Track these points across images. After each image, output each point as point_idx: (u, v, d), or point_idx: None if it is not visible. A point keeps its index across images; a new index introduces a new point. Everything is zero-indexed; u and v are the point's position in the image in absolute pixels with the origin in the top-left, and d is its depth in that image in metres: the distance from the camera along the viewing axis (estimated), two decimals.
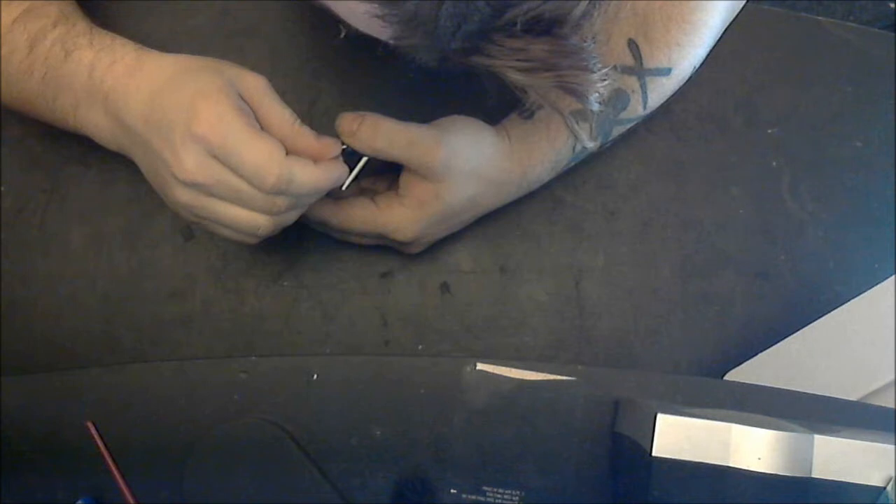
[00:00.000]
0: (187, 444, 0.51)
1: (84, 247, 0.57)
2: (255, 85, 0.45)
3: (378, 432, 0.52)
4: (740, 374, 0.56)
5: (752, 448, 0.44)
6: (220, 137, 0.43)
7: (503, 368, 0.52)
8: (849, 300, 0.56)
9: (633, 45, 0.53)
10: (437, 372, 0.53)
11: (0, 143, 0.58)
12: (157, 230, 0.58)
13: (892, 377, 0.52)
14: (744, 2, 0.59)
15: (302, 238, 0.57)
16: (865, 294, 0.55)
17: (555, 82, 0.38)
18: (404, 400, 0.52)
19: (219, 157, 0.43)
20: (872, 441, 0.44)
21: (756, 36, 0.62)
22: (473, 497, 0.52)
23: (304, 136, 0.46)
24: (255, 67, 0.46)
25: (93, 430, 0.52)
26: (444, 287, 0.58)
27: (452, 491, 0.52)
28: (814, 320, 0.56)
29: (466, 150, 0.50)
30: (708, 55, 0.58)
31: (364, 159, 0.49)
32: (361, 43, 0.39)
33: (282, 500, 0.51)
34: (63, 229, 0.57)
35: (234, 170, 0.44)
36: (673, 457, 0.44)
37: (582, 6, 0.35)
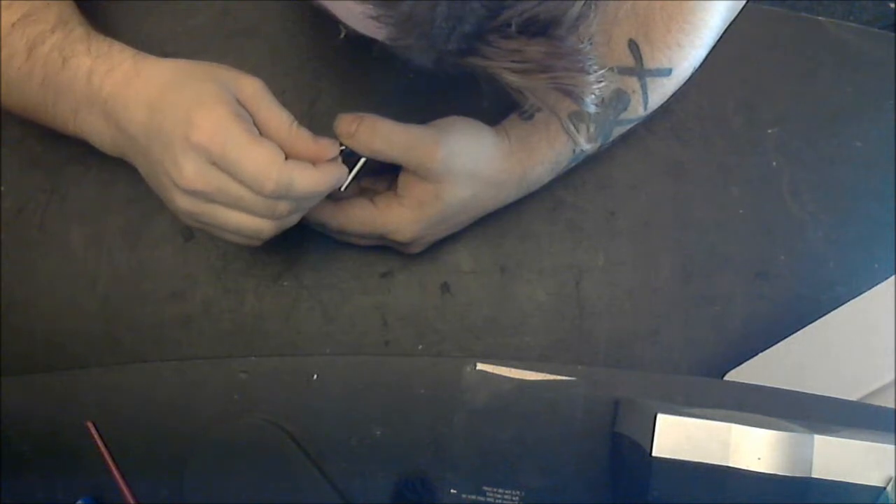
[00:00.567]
0: (187, 444, 0.51)
1: (84, 247, 0.57)
2: (252, 88, 0.46)
3: (378, 432, 0.52)
4: (740, 374, 0.56)
5: (752, 448, 0.44)
6: (218, 146, 0.43)
7: (503, 368, 0.52)
8: (849, 300, 0.56)
9: (633, 45, 0.53)
10: (437, 372, 0.53)
11: (0, 143, 0.58)
12: (157, 230, 0.58)
13: (892, 377, 0.52)
14: (744, 2, 0.59)
15: (302, 238, 0.57)
16: (865, 294, 0.55)
17: (551, 84, 0.38)
18: (404, 400, 0.52)
19: (218, 164, 0.43)
20: (872, 441, 0.44)
21: (756, 36, 0.62)
22: (473, 497, 0.52)
23: (302, 139, 0.46)
24: (255, 67, 0.47)
25: (93, 430, 0.52)
26: (444, 287, 0.58)
27: (452, 491, 0.52)
28: (814, 320, 0.56)
29: (465, 150, 0.50)
30: (708, 55, 0.58)
31: (362, 160, 0.49)
32: (361, 43, 0.39)
33: (282, 500, 0.51)
34: (63, 229, 0.57)
35: (234, 177, 0.44)
36: (673, 457, 0.44)
37: (577, 7, 0.35)
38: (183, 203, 0.45)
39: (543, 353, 0.58)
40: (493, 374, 0.52)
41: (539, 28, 0.36)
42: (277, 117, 0.46)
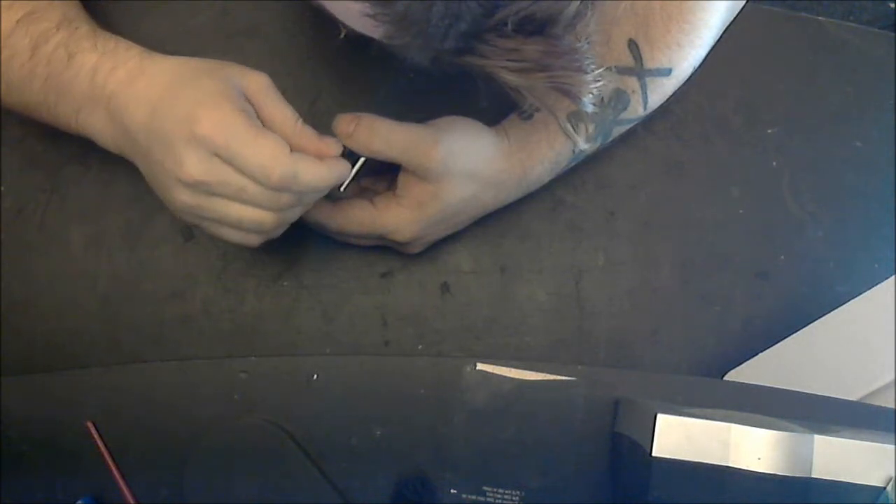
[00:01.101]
0: (187, 444, 0.51)
1: (84, 247, 0.57)
2: (258, 84, 0.46)
3: (378, 432, 0.52)
4: (740, 374, 0.56)
5: (752, 448, 0.44)
6: (223, 138, 0.43)
7: (503, 368, 0.52)
8: (849, 300, 0.56)
9: (633, 45, 0.53)
10: (437, 372, 0.53)
11: (0, 143, 0.58)
12: (157, 230, 0.58)
13: (892, 377, 0.52)
14: (744, 2, 0.59)
15: (302, 238, 0.57)
16: (865, 294, 0.55)
17: (548, 83, 0.38)
18: (404, 400, 0.52)
19: (222, 156, 0.43)
20: (872, 441, 0.44)
21: (756, 36, 0.62)
22: (473, 497, 0.52)
23: (306, 136, 0.46)
24: (255, 67, 0.46)
25: (93, 430, 0.52)
26: (444, 287, 0.58)
27: (452, 491, 0.52)
28: (814, 320, 0.56)
29: (464, 150, 0.50)
30: (708, 55, 0.58)
31: (361, 160, 0.49)
32: (361, 43, 0.39)
33: (282, 500, 0.51)
34: (63, 229, 0.57)
35: (239, 168, 0.44)
36: (673, 457, 0.44)
37: (574, 6, 0.35)
38: (183, 197, 0.45)
39: (543, 353, 0.58)
40: (493, 374, 0.52)
41: (536, 27, 0.36)
42: (283, 114, 0.46)
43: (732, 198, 0.60)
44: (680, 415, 0.45)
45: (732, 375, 0.57)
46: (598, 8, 0.37)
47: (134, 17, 0.58)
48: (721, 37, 0.59)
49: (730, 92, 0.61)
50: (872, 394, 0.53)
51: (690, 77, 0.57)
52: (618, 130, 0.55)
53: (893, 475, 0.43)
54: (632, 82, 0.53)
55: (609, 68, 0.53)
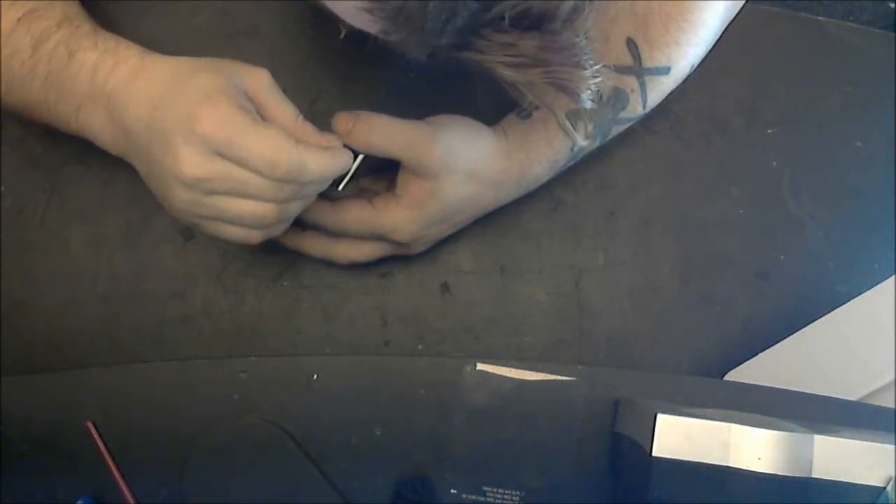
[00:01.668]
0: (187, 444, 0.51)
1: (84, 247, 0.57)
2: (259, 81, 0.46)
3: (378, 432, 0.52)
4: (740, 374, 0.56)
5: (752, 448, 0.44)
6: (224, 134, 0.43)
7: (503, 368, 0.52)
8: (849, 300, 0.56)
9: (631, 44, 0.53)
10: (437, 372, 0.53)
11: (0, 143, 0.58)
12: (157, 230, 0.58)
13: (892, 377, 0.52)
14: (743, 1, 0.59)
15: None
16: (865, 294, 0.55)
17: (546, 78, 0.37)
18: (404, 400, 0.52)
19: (223, 153, 0.43)
20: (872, 441, 0.44)
21: (756, 36, 0.62)
22: (473, 497, 0.52)
23: (307, 132, 0.46)
24: None
25: (93, 430, 0.52)
26: (444, 287, 0.58)
27: (452, 491, 0.52)
28: (814, 320, 0.56)
29: (462, 147, 0.50)
30: (708, 55, 0.58)
31: (360, 157, 0.49)
32: (361, 43, 0.39)
33: (282, 500, 0.51)
34: (63, 229, 0.57)
35: (241, 163, 0.43)
36: (673, 457, 0.45)
37: (570, 2, 0.35)
38: (182, 195, 0.44)
39: (543, 353, 0.58)
40: (493, 374, 0.52)
41: (532, 22, 0.35)
42: (283, 110, 0.46)
43: (732, 198, 0.60)
44: (680, 415, 0.45)
45: (732, 375, 0.57)
46: (597, 6, 0.37)
47: (134, 17, 0.58)
48: (721, 37, 0.59)
49: (730, 92, 0.61)
50: (872, 394, 0.53)
51: (689, 76, 0.57)
52: (617, 129, 0.55)
53: (893, 475, 0.43)
54: (630, 81, 0.53)
55: (608, 67, 0.53)
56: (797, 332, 0.56)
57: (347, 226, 0.52)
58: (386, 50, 0.38)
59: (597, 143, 0.55)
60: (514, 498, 0.52)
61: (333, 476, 0.51)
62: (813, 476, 0.44)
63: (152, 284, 0.57)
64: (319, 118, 0.50)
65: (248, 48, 0.59)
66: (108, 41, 0.47)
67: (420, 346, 0.58)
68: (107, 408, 0.52)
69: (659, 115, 0.59)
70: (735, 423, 0.44)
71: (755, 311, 0.59)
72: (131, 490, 0.51)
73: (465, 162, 0.51)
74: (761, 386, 0.54)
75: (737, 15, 0.60)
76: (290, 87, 0.58)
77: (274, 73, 0.47)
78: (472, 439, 0.52)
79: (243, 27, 0.59)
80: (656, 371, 0.58)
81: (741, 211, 0.60)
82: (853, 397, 0.53)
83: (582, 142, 0.53)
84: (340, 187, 0.49)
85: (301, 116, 0.47)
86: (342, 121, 0.49)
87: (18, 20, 0.47)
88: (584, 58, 0.37)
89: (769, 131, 0.61)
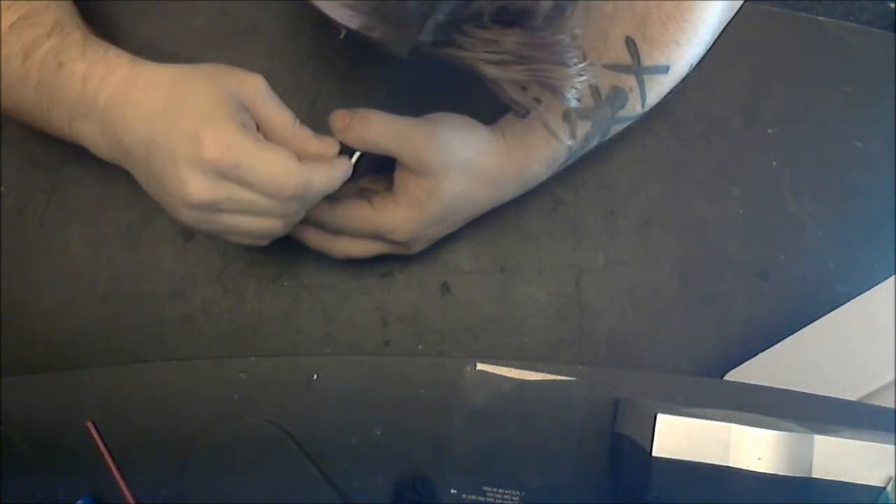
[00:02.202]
0: (187, 444, 0.51)
1: (84, 247, 0.57)
2: (254, 88, 0.45)
3: (378, 432, 0.52)
4: (740, 374, 0.56)
5: (752, 448, 0.44)
6: (231, 159, 0.43)
7: (503, 368, 0.52)
8: (849, 300, 0.56)
9: (630, 43, 0.53)
10: (437, 372, 0.53)
11: (0, 143, 0.58)
12: (157, 230, 0.58)
13: (892, 377, 0.52)
14: (742, 1, 0.59)
15: (303, 245, 0.57)
16: (865, 294, 0.55)
17: (529, 76, 0.37)
18: (404, 400, 0.52)
19: (230, 177, 0.43)
20: (872, 441, 0.44)
21: (756, 36, 0.62)
22: (473, 497, 0.52)
23: (305, 138, 0.47)
24: (254, 67, 0.46)
25: (93, 430, 0.52)
26: (444, 287, 0.58)
27: (452, 491, 0.52)
28: (814, 320, 0.56)
29: (459, 143, 0.50)
30: (708, 55, 0.58)
31: (357, 154, 0.50)
32: (361, 43, 0.39)
33: (282, 500, 0.51)
34: (63, 229, 0.57)
35: (248, 186, 0.44)
36: (673, 457, 0.45)
37: (550, 1, 0.35)
38: (189, 214, 0.45)
39: (543, 353, 0.58)
40: (493, 374, 0.52)
41: (513, 18, 0.35)
42: (280, 116, 0.46)
43: (732, 198, 0.60)
44: (680, 415, 0.45)
45: (732, 375, 0.57)
46: (584, 5, 0.37)
47: (134, 17, 0.58)
48: (721, 37, 0.59)
49: (730, 92, 0.61)
50: (872, 394, 0.53)
51: (688, 74, 0.57)
52: (616, 128, 0.55)
53: (893, 475, 0.43)
54: (629, 80, 0.53)
55: (595, 65, 0.53)
56: (797, 332, 0.56)
57: (346, 224, 0.52)
58: (386, 50, 0.38)
59: (595, 142, 0.55)
60: (514, 498, 0.52)
61: (333, 476, 0.51)
62: (813, 476, 0.44)
63: (152, 284, 0.57)
64: (319, 118, 0.50)
65: (248, 48, 0.59)
66: (97, 50, 0.47)
67: (420, 346, 0.58)
68: (107, 408, 0.52)
69: (659, 115, 0.59)
70: (735, 423, 0.44)
71: (755, 311, 0.59)
72: (131, 490, 0.51)
73: (462, 158, 0.51)
74: (761, 386, 0.54)
75: (736, 15, 0.60)
76: (290, 87, 0.58)
77: (274, 73, 0.47)
78: (472, 439, 0.52)
79: (243, 27, 0.59)
80: (656, 371, 0.58)
81: (741, 211, 0.60)
82: (853, 397, 0.53)
83: (568, 141, 0.53)
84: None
85: (298, 121, 0.47)
86: (339, 118, 0.49)
87: (10, 26, 0.47)
88: (569, 56, 0.37)
89: (769, 131, 0.61)
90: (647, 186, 0.60)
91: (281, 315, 0.57)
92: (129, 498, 0.51)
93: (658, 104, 0.57)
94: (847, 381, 0.53)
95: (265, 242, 0.49)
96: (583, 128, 0.53)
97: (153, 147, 0.44)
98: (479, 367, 0.52)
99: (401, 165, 0.51)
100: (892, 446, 0.44)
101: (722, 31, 0.59)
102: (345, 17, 0.37)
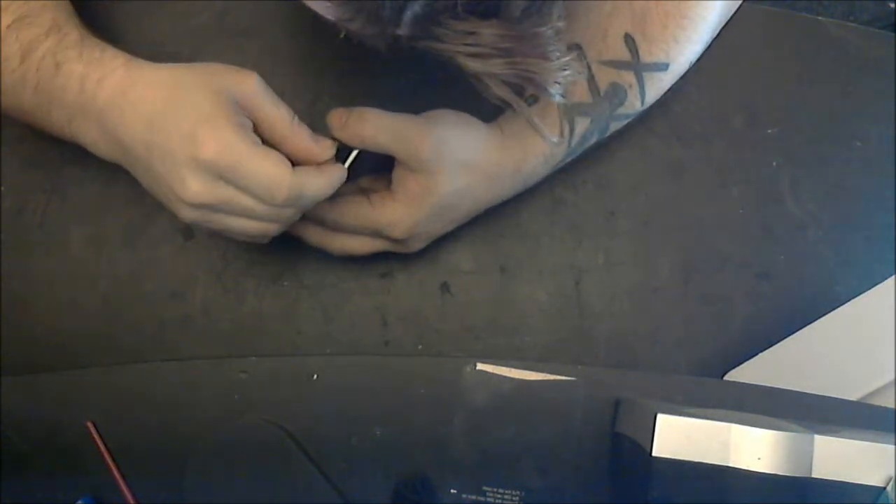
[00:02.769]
0: (187, 444, 0.51)
1: (84, 247, 0.57)
2: (250, 87, 0.45)
3: (378, 432, 0.52)
4: (740, 374, 0.56)
5: (752, 448, 0.44)
6: (228, 162, 0.43)
7: (503, 368, 0.52)
8: (849, 300, 0.56)
9: (629, 39, 0.53)
10: (437, 372, 0.53)
11: (0, 143, 0.58)
12: (157, 230, 0.58)
13: (892, 377, 0.52)
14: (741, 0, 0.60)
15: (302, 241, 0.57)
16: (865, 294, 0.55)
17: (509, 69, 0.37)
18: (404, 400, 0.52)
19: (227, 179, 0.44)
20: (872, 441, 0.44)
21: (756, 36, 0.62)
22: (473, 497, 0.52)
23: (302, 137, 0.47)
24: (255, 67, 0.46)
25: (93, 430, 0.52)
26: (444, 287, 0.58)
27: (452, 491, 0.52)
28: (814, 320, 0.56)
29: (455, 139, 0.51)
30: (708, 55, 0.58)
31: (355, 152, 0.50)
32: (359, 40, 0.39)
33: (282, 500, 0.51)
34: (63, 229, 0.57)
35: (243, 190, 0.44)
36: (673, 457, 0.44)
37: None
38: (189, 213, 0.46)
39: (543, 353, 0.58)
40: (493, 374, 0.52)
41: (488, 8, 0.35)
42: (277, 114, 0.46)
43: (732, 198, 0.60)
44: (680, 415, 0.45)
45: (732, 375, 0.57)
46: (591, 4, 0.37)
47: (134, 17, 0.58)
48: (721, 37, 0.59)
49: (730, 92, 0.61)
50: (872, 394, 0.53)
51: (687, 74, 0.57)
52: (615, 125, 0.55)
53: (893, 475, 0.43)
54: (628, 77, 0.53)
55: (581, 58, 0.52)
56: (797, 332, 0.56)
57: (345, 221, 0.52)
58: (366, 44, 0.38)
59: (594, 139, 0.55)
60: (514, 498, 0.52)
61: (333, 476, 0.51)
62: (813, 476, 0.44)
63: (152, 284, 0.57)
64: (319, 118, 0.50)
65: (248, 48, 0.59)
66: (94, 51, 0.47)
67: (420, 346, 0.58)
68: (107, 408, 0.52)
69: (659, 115, 0.59)
70: (735, 423, 0.44)
71: (755, 311, 0.59)
72: (131, 490, 0.51)
73: (458, 153, 0.51)
74: (761, 386, 0.54)
75: (736, 14, 0.60)
76: (290, 88, 0.58)
77: (274, 73, 0.47)
78: (472, 439, 0.52)
79: (243, 27, 0.59)
80: (656, 371, 0.58)
81: (741, 211, 0.60)
82: (853, 397, 0.53)
83: (555, 139, 0.53)
84: None
85: (296, 118, 0.47)
86: (336, 116, 0.49)
87: (8, 27, 0.47)
88: (550, 49, 0.37)
89: (769, 131, 0.61)
90: (647, 186, 0.60)
91: (281, 315, 0.57)
92: (129, 498, 0.51)
93: (658, 104, 0.57)
94: (847, 381, 0.53)
95: (265, 240, 0.50)
96: (581, 124, 0.53)
97: (152, 147, 0.44)
98: (479, 367, 0.52)
99: (399, 163, 0.51)
100: (892, 446, 0.44)
101: (721, 31, 0.59)
102: (322, 9, 0.38)
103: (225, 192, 0.44)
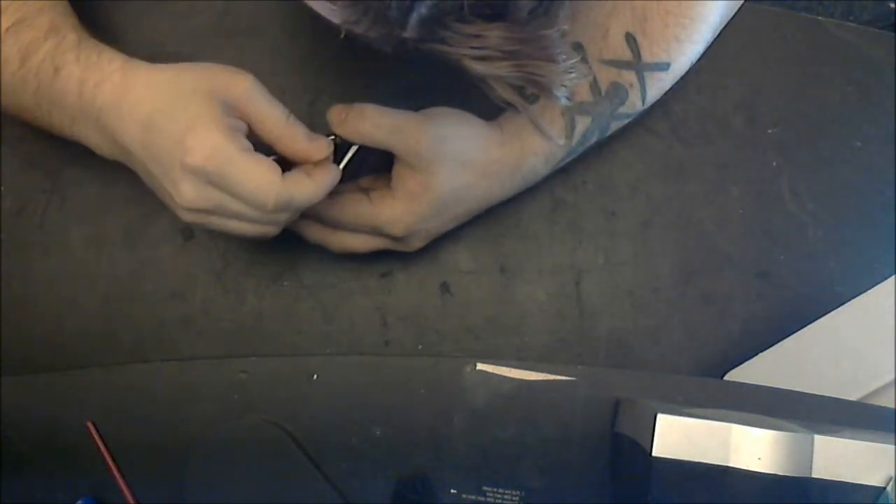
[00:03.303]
0: (187, 444, 0.51)
1: (84, 247, 0.57)
2: (242, 88, 0.45)
3: (378, 432, 0.52)
4: (740, 374, 0.56)
5: (752, 448, 0.44)
6: (215, 168, 0.43)
7: (503, 368, 0.52)
8: (849, 300, 0.56)
9: (630, 39, 0.53)
10: (437, 372, 0.53)
11: (0, 143, 0.58)
12: (157, 230, 0.58)
13: (892, 377, 0.52)
14: (742, 0, 0.60)
15: (302, 238, 0.57)
16: (865, 294, 0.55)
17: (515, 72, 0.37)
18: (404, 400, 0.52)
19: (217, 184, 0.44)
20: (872, 441, 0.44)
21: (756, 36, 0.62)
22: (473, 497, 0.52)
23: (297, 136, 0.47)
24: (255, 67, 0.46)
25: (93, 430, 0.52)
26: (444, 287, 0.58)
27: (452, 491, 0.52)
28: (814, 320, 0.56)
29: (454, 135, 0.51)
30: (708, 55, 0.58)
31: (354, 148, 0.50)
32: (364, 42, 0.39)
33: (282, 500, 0.51)
34: (63, 229, 0.57)
35: (234, 195, 0.45)
36: (673, 457, 0.44)
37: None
38: (186, 216, 0.46)
39: (543, 353, 0.58)
40: (493, 374, 0.52)
41: (495, 11, 0.35)
42: (271, 113, 0.46)
43: (732, 198, 0.60)
44: (680, 415, 0.45)
45: (732, 375, 0.57)
46: (592, 3, 0.37)
47: (134, 17, 0.58)
48: (721, 37, 0.59)
49: (730, 92, 0.61)
50: (872, 394, 0.53)
51: (688, 74, 0.57)
52: (615, 125, 0.55)
53: (893, 475, 0.43)
54: (630, 76, 0.53)
55: (587, 60, 0.52)
56: (797, 332, 0.56)
57: (344, 218, 0.52)
58: (373, 46, 0.38)
59: (595, 139, 0.55)
60: (514, 498, 0.52)
61: (333, 476, 0.51)
62: (813, 476, 0.44)
63: (152, 284, 0.57)
64: (319, 118, 0.50)
65: (247, 48, 0.59)
66: (91, 54, 0.47)
67: (420, 346, 0.58)
68: (107, 408, 0.52)
69: (659, 115, 0.59)
70: (735, 423, 0.44)
71: (755, 311, 0.59)
72: (131, 490, 0.51)
73: (457, 151, 0.51)
74: (761, 386, 0.54)
75: (736, 14, 0.60)
76: (290, 88, 0.58)
77: (274, 73, 0.47)
78: (472, 439, 0.52)
79: (243, 27, 0.59)
80: (656, 371, 0.58)
81: (741, 211, 0.60)
82: (853, 397, 0.53)
83: (560, 140, 0.53)
84: None
85: (291, 117, 0.47)
86: (336, 112, 0.49)
87: (7, 30, 0.47)
88: (557, 51, 0.37)
89: (769, 131, 0.61)
90: (647, 186, 0.60)
91: (281, 315, 0.57)
92: (129, 498, 0.51)
93: (658, 104, 0.57)
94: (847, 381, 0.53)
95: (265, 239, 0.49)
96: (582, 123, 0.53)
97: (148, 151, 0.45)
98: (479, 367, 0.52)
99: (398, 160, 0.51)
100: (892, 446, 0.44)
101: (722, 31, 0.59)
102: (327, 10, 0.37)
103: (216, 197, 0.45)
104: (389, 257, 0.57)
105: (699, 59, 0.57)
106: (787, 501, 0.44)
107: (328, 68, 0.59)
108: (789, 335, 0.56)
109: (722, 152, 0.61)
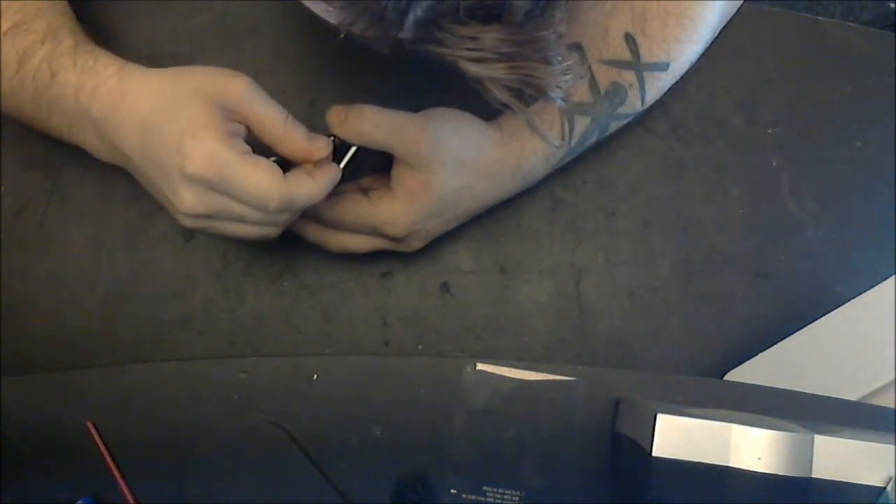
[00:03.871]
0: (187, 444, 0.51)
1: (84, 247, 0.57)
2: (239, 91, 0.45)
3: (378, 432, 0.52)
4: (740, 374, 0.56)
5: (752, 448, 0.44)
6: (216, 174, 0.43)
7: (503, 368, 0.52)
8: (849, 300, 0.56)
9: (629, 39, 0.53)
10: (437, 372, 0.53)
11: (0, 143, 0.58)
12: (157, 230, 0.58)
13: (892, 377, 0.52)
14: (741, 0, 0.60)
15: (302, 238, 0.57)
16: (865, 294, 0.55)
17: (511, 74, 0.37)
18: (404, 400, 0.52)
19: (217, 189, 0.44)
20: (872, 441, 0.44)
21: (756, 36, 0.62)
22: (473, 497, 0.52)
23: (296, 137, 0.47)
24: (255, 67, 0.47)
25: (93, 430, 0.52)
26: (444, 287, 0.58)
27: (452, 491, 0.52)
28: (814, 320, 0.56)
29: (453, 135, 0.51)
30: (708, 55, 0.58)
31: (353, 149, 0.50)
32: (361, 43, 0.39)
33: (282, 500, 0.51)
34: (63, 229, 0.57)
35: (236, 199, 0.45)
36: (673, 457, 0.45)
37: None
38: (187, 222, 0.46)
39: (543, 353, 0.58)
40: (493, 374, 0.52)
41: (490, 13, 0.35)
42: (269, 114, 0.46)
43: (732, 198, 0.60)
44: (680, 415, 0.45)
45: (732, 375, 0.57)
46: (591, 3, 0.37)
47: (134, 17, 0.58)
48: (721, 37, 0.59)
49: (730, 92, 0.61)
50: (872, 394, 0.53)
51: (687, 74, 0.57)
52: (615, 125, 0.55)
53: (893, 475, 0.43)
54: (629, 76, 0.54)
55: (583, 62, 0.52)
56: (797, 332, 0.56)
57: (344, 218, 0.52)
58: (369, 47, 0.38)
59: (594, 139, 0.55)
60: (514, 498, 0.52)
61: (333, 476, 0.51)
62: (813, 476, 0.44)
63: (152, 284, 0.57)
64: (319, 118, 0.50)
65: (247, 48, 0.59)
66: (87, 59, 0.47)
67: (420, 346, 0.58)
68: (107, 408, 0.52)
69: (659, 115, 0.59)
70: (735, 423, 0.44)
71: (755, 311, 0.59)
72: (131, 490, 0.51)
73: (456, 151, 0.51)
74: (761, 386, 0.54)
75: (736, 14, 0.60)
76: (290, 88, 0.58)
77: (274, 73, 0.47)
78: (472, 439, 0.52)
79: (243, 27, 0.59)
80: (656, 371, 0.58)
81: (741, 211, 0.60)
82: (853, 397, 0.53)
83: (556, 142, 0.53)
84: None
85: (289, 118, 0.47)
86: (335, 112, 0.49)
87: (5, 33, 0.47)
88: (553, 54, 0.37)
89: (769, 131, 0.61)
90: (647, 186, 0.60)
91: (281, 315, 0.57)
92: (129, 498, 0.51)
93: (658, 104, 0.57)
94: (847, 381, 0.53)
95: (266, 240, 0.49)
96: (581, 124, 0.53)
97: (147, 157, 0.45)
98: (479, 367, 0.52)
99: (398, 160, 0.51)
100: (892, 446, 0.44)
101: (722, 31, 0.59)
102: (324, 12, 0.38)
103: (218, 202, 0.45)
104: (389, 257, 0.57)
105: (699, 59, 0.57)
106: (787, 501, 0.44)
107: (328, 68, 0.59)
108: (789, 335, 0.56)
109: (722, 152, 0.61)
